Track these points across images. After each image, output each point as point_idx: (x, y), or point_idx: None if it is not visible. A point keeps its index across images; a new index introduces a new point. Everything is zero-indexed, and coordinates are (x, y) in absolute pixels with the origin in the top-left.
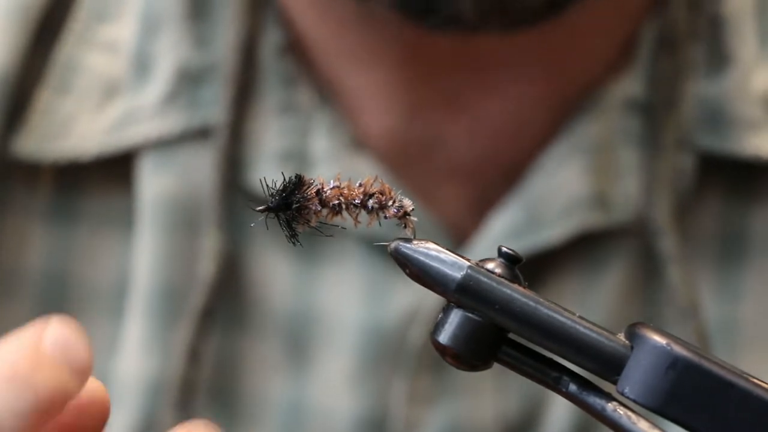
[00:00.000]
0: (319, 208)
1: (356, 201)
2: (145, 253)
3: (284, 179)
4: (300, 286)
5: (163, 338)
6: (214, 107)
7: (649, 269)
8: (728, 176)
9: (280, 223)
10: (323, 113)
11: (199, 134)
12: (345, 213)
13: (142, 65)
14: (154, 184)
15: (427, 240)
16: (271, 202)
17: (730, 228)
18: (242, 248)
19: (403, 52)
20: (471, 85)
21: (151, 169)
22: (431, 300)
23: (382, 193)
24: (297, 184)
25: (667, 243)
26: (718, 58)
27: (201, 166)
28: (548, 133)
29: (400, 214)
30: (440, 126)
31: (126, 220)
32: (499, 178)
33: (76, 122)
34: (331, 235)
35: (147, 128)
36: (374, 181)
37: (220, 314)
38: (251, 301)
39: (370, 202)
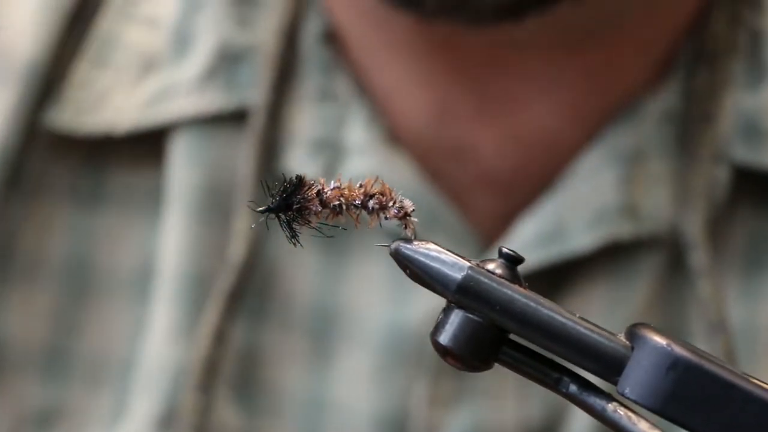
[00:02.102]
0: (319, 208)
1: (357, 202)
2: (174, 236)
3: (285, 179)
4: (326, 281)
5: (191, 324)
6: (252, 89)
7: (677, 281)
8: (761, 189)
9: (280, 224)
10: (360, 105)
11: (234, 116)
12: (346, 214)
13: (182, 41)
14: (186, 166)
15: (427, 241)
16: (272, 203)
17: (759, 239)
18: (271, 238)
19: (429, 50)
20: (501, 94)
21: (183, 149)
22: None
23: (382, 194)
24: (297, 185)
25: (699, 256)
26: (758, 72)
27: (234, 150)
28: (582, 144)
29: (400, 214)
30: (470, 132)
31: (153, 200)
32: (531, 187)
33: (113, 96)
34: (332, 236)
35: (183, 104)
36: (374, 181)
37: (246, 303)
38: (277, 293)
39: (371, 203)
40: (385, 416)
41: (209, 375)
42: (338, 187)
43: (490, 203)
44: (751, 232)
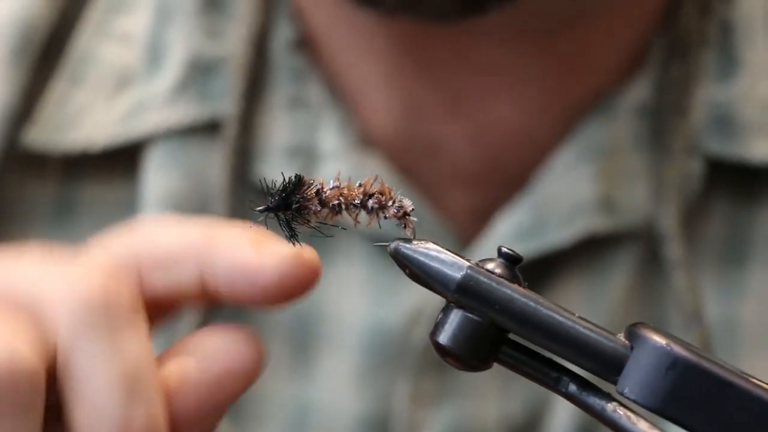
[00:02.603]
0: (318, 208)
1: (356, 201)
2: None
3: (284, 179)
4: None
5: (169, 334)
6: (224, 100)
7: (654, 274)
8: (735, 181)
9: (279, 224)
10: (332, 110)
11: (207, 128)
12: (345, 213)
13: (154, 55)
14: (160, 179)
15: (426, 240)
16: (271, 203)
17: (735, 232)
18: None
19: (396, 48)
20: (471, 90)
21: (158, 162)
22: (436, 300)
23: (381, 194)
24: (297, 184)
25: (674, 248)
26: (729, 63)
27: (208, 161)
28: (555, 138)
29: (399, 214)
30: (441, 129)
31: (126, 215)
32: (505, 182)
33: (88, 113)
34: (331, 236)
35: (157, 118)
36: (374, 181)
37: (225, 311)
38: None
39: (370, 203)
40: (369, 417)
41: None
42: (337, 187)
43: (465, 200)
44: (728, 225)
